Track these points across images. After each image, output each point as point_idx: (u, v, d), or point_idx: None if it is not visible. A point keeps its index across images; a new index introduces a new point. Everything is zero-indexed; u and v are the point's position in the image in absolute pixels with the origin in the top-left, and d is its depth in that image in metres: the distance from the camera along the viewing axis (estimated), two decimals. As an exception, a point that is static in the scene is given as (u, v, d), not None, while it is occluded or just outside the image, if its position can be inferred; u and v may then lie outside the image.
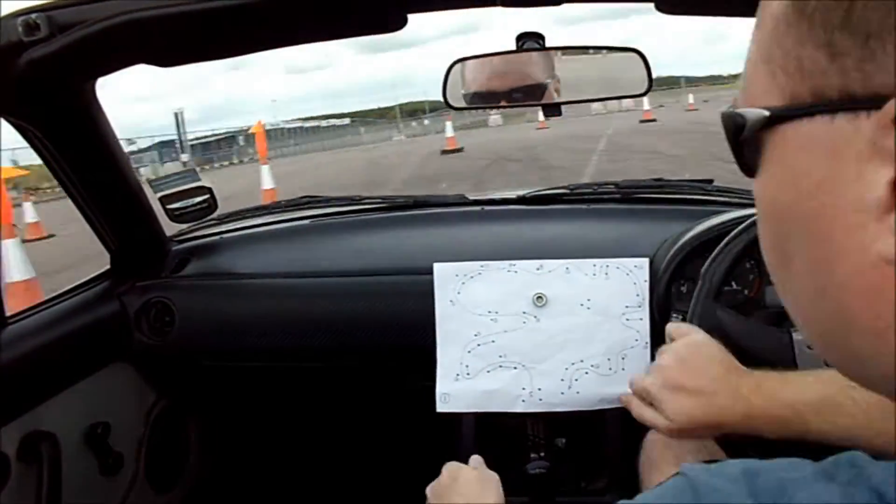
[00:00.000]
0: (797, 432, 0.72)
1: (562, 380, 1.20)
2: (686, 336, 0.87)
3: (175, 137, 33.30)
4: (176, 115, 32.36)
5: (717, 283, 1.01)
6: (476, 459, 0.91)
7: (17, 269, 5.22)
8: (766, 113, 0.33)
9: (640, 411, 0.85)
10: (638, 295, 1.19)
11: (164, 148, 34.58)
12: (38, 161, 1.11)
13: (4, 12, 0.83)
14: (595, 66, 1.18)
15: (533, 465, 1.25)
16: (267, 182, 9.06)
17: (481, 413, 1.24)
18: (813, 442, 0.73)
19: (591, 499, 1.30)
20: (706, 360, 0.82)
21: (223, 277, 1.42)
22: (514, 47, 1.05)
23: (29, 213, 10.47)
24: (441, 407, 1.23)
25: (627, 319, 1.19)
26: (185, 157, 31.19)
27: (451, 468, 0.88)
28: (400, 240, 1.43)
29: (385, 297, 1.33)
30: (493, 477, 0.87)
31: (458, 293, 1.24)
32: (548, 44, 1.06)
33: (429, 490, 0.88)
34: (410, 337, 1.27)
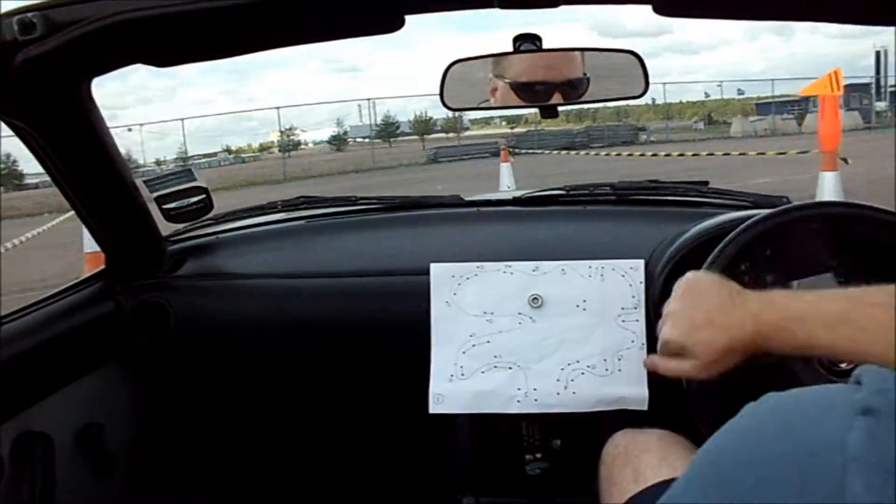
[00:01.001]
0: (803, 345, 0.72)
1: (557, 380, 1.19)
2: (682, 280, 0.87)
3: (871, 80, 27.22)
4: (878, 53, 26.87)
5: None
6: None
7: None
8: None
9: (667, 365, 0.85)
10: (634, 297, 1.19)
11: (854, 92, 27.89)
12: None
13: None
14: (593, 68, 1.18)
15: (532, 465, 1.25)
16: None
17: (476, 414, 1.24)
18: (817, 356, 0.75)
19: (589, 500, 1.31)
20: (706, 290, 0.82)
21: (219, 278, 1.41)
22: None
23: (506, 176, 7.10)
24: (434, 408, 1.22)
25: (623, 321, 1.19)
26: (881, 104, 25.41)
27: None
28: (396, 241, 1.43)
29: (380, 297, 1.33)
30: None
31: (454, 294, 1.24)
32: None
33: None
34: (406, 338, 1.27)
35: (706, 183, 1.49)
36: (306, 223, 1.51)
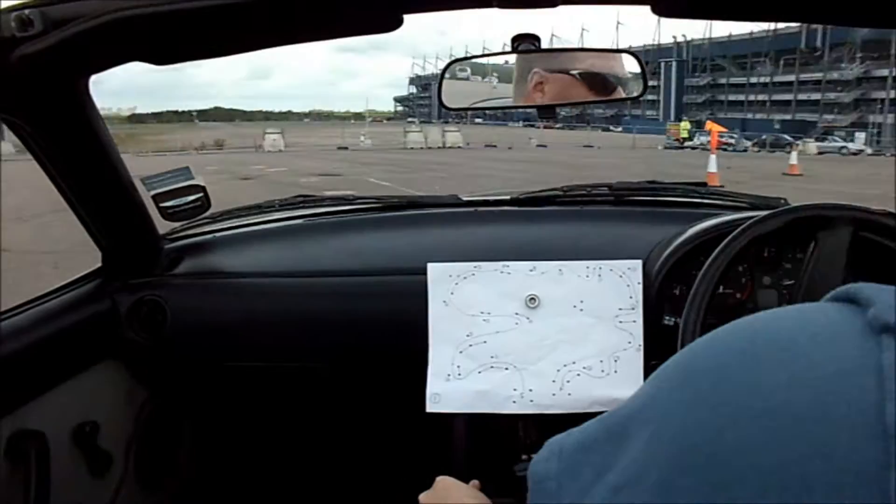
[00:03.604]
0: None
1: (553, 381, 1.19)
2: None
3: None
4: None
5: (710, 289, 1.02)
6: (475, 485, 0.90)
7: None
8: None
9: None
10: (631, 297, 1.19)
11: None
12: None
13: (-2, 7, 0.83)
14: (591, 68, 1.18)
15: (521, 466, 1.24)
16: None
17: (473, 414, 1.24)
18: None
19: None
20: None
21: (216, 276, 1.41)
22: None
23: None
24: (431, 407, 1.22)
25: (620, 322, 1.19)
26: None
27: (445, 484, 0.86)
28: (393, 240, 1.43)
29: (377, 297, 1.33)
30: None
31: (452, 294, 1.24)
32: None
33: (422, 497, 0.86)
34: (403, 337, 1.26)
35: (705, 184, 1.50)
36: (304, 222, 1.51)
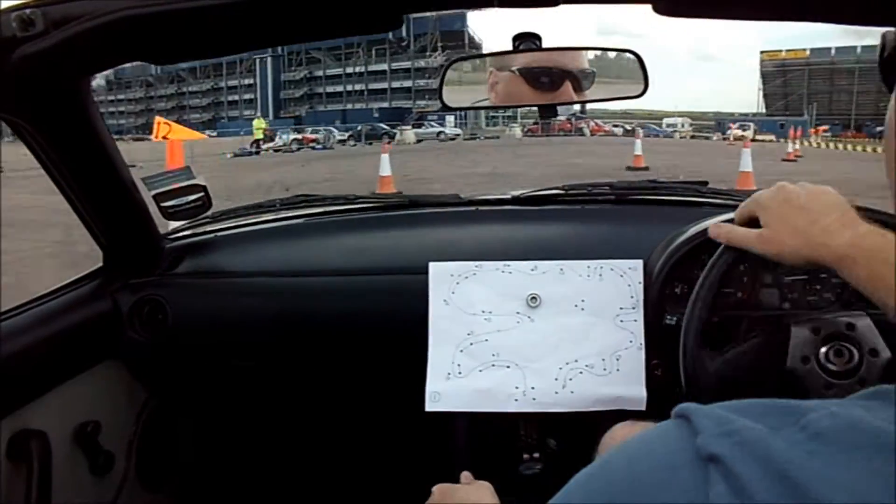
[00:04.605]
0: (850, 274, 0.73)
1: (556, 379, 1.19)
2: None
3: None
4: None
5: (713, 289, 1.01)
6: (466, 475, 0.91)
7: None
8: None
9: (734, 231, 0.90)
10: (632, 297, 1.19)
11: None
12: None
13: (-2, 7, 0.83)
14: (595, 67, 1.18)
15: (525, 465, 1.24)
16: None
17: (474, 414, 1.24)
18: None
19: None
20: (828, 199, 0.81)
21: (217, 276, 1.41)
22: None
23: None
24: (430, 406, 1.21)
25: (622, 321, 1.19)
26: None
27: (441, 489, 0.87)
28: (394, 239, 1.43)
29: (378, 296, 1.33)
30: (486, 483, 0.87)
31: (453, 293, 1.24)
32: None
33: None
34: (404, 336, 1.26)
35: (705, 183, 1.49)
36: (304, 221, 1.51)
